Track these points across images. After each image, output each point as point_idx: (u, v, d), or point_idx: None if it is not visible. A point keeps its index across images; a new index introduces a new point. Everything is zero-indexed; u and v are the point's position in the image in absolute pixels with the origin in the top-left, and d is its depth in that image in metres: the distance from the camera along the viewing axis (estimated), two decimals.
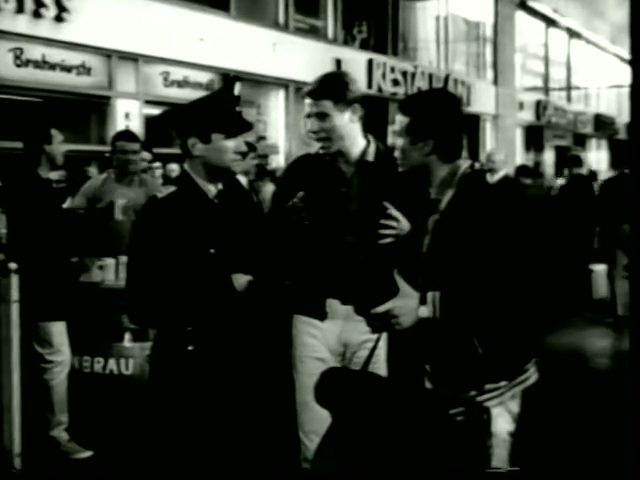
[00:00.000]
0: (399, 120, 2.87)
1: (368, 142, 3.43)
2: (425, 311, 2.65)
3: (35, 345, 4.83)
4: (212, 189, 3.13)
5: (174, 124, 3.24)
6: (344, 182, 3.39)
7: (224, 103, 3.13)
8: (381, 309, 2.67)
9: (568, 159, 12.86)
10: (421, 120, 2.81)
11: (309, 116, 3.35)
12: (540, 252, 2.73)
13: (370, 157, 3.41)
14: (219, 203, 3.13)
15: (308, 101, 3.35)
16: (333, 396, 2.80)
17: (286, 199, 3.39)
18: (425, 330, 2.69)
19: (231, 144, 3.07)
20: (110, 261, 5.36)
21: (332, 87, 3.32)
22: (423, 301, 2.66)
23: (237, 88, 3.18)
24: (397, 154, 2.88)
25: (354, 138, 3.39)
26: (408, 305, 2.67)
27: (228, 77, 3.23)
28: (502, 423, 2.73)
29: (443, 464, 2.57)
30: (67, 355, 4.94)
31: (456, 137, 2.85)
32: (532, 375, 2.79)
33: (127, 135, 5.94)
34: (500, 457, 2.74)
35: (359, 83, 3.49)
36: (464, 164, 2.83)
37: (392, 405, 2.66)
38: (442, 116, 2.83)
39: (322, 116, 3.31)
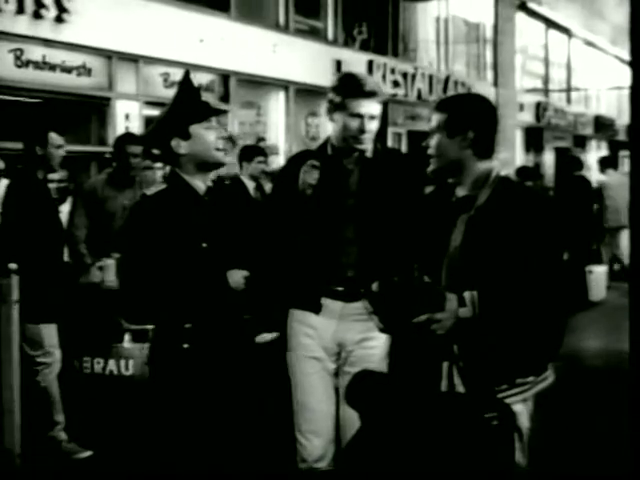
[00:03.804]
0: (435, 118, 2.92)
1: None
2: (466, 312, 2.69)
3: (25, 346, 4.81)
4: (201, 186, 3.18)
5: (154, 142, 3.29)
6: (344, 177, 3.40)
7: (187, 96, 3.19)
8: (423, 317, 2.69)
9: (569, 161, 12.88)
10: (460, 114, 2.87)
11: (362, 116, 3.34)
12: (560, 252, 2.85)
13: (369, 153, 3.45)
14: (209, 199, 3.17)
15: (367, 101, 3.35)
16: (364, 398, 2.83)
17: (287, 188, 3.41)
18: (463, 329, 2.72)
19: (211, 133, 3.14)
20: (110, 262, 5.36)
21: (380, 89, 3.39)
22: (462, 302, 2.69)
23: (194, 79, 3.25)
24: (431, 152, 2.92)
25: None
26: (450, 308, 2.70)
27: (185, 72, 3.29)
28: (524, 419, 2.80)
29: (475, 465, 2.60)
30: (57, 357, 4.94)
31: (491, 135, 2.91)
32: (551, 375, 2.87)
33: (132, 138, 5.93)
34: (523, 453, 2.82)
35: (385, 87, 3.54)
36: (497, 166, 2.88)
37: (423, 409, 2.69)
38: (480, 111, 2.91)
39: (373, 117, 3.37)
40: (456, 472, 2.60)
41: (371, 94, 3.35)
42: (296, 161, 3.53)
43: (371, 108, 3.35)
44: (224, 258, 3.10)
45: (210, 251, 3.08)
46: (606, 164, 12.72)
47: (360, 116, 3.35)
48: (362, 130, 3.35)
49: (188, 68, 3.60)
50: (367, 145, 3.39)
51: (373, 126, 3.37)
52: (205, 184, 3.19)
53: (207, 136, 3.14)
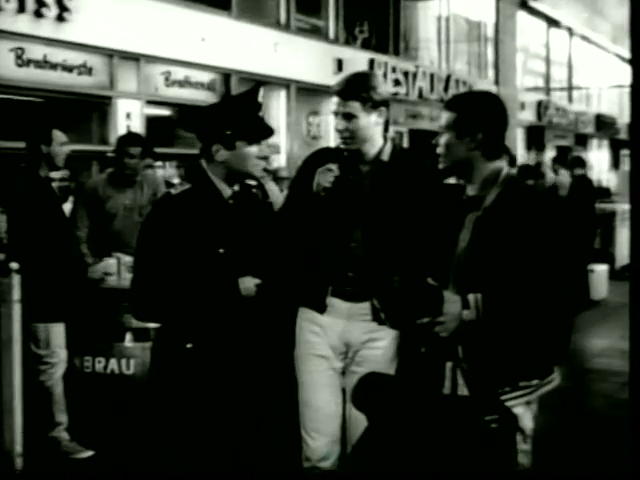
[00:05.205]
0: (445, 116, 2.92)
1: (385, 142, 3.45)
2: (469, 314, 2.69)
3: (32, 346, 4.82)
4: (227, 190, 3.15)
5: (195, 128, 3.25)
6: (358, 179, 3.40)
7: (248, 110, 3.16)
8: (425, 319, 2.70)
9: (571, 160, 12.88)
10: (470, 115, 2.87)
11: (336, 114, 3.38)
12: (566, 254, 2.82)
13: (385, 157, 3.42)
14: (233, 204, 3.16)
15: (336, 100, 3.37)
16: (370, 400, 2.84)
17: (302, 187, 3.41)
18: (465, 331, 2.73)
19: (254, 150, 3.11)
20: (112, 261, 5.36)
21: (361, 89, 3.33)
22: (466, 305, 2.69)
23: (261, 94, 3.20)
24: (439, 150, 2.93)
25: (376, 140, 3.41)
26: (453, 311, 2.70)
27: (255, 83, 3.25)
28: (527, 421, 2.80)
29: (476, 467, 2.61)
30: (62, 356, 4.94)
31: (500, 135, 2.94)
32: (557, 377, 2.86)
33: (131, 139, 5.92)
34: (526, 455, 2.82)
35: (386, 86, 3.51)
36: (505, 166, 2.89)
37: (425, 411, 2.69)
38: (490, 112, 2.91)
39: (349, 117, 3.33)
40: (456, 474, 2.61)
41: (341, 93, 3.35)
42: (314, 160, 3.52)
43: (344, 106, 3.33)
44: (238, 264, 3.09)
45: (226, 257, 3.06)
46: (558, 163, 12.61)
47: (335, 114, 3.38)
48: (336, 128, 3.38)
49: (260, 80, 3.57)
50: (351, 145, 3.36)
51: (351, 125, 3.33)
52: (231, 188, 3.18)
53: (249, 152, 3.11)
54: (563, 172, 12.29)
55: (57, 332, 4.90)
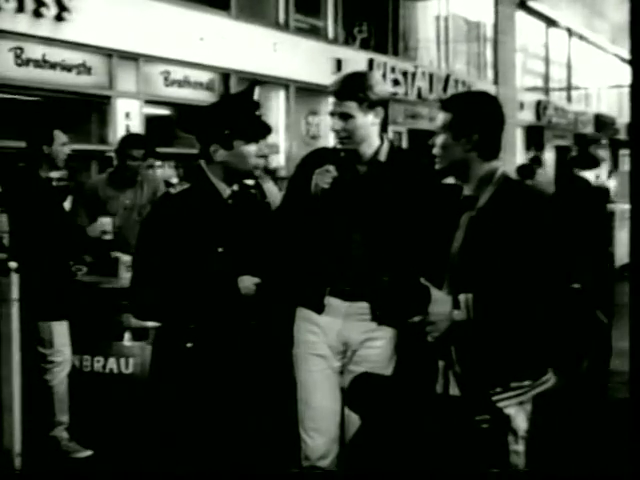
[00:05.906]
0: (440, 117, 2.92)
1: (382, 141, 3.44)
2: (460, 315, 2.69)
3: (37, 345, 4.83)
4: (226, 189, 3.16)
5: (193, 129, 3.26)
6: (355, 179, 3.39)
7: (245, 109, 3.16)
8: (417, 318, 2.70)
9: (570, 160, 12.86)
10: (465, 116, 2.87)
11: (332, 114, 3.36)
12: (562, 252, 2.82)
13: (382, 157, 3.41)
14: (232, 203, 3.17)
15: (332, 100, 3.36)
16: (363, 401, 2.84)
17: (299, 187, 3.41)
18: (457, 332, 2.72)
19: (252, 149, 3.12)
20: (107, 220, 5.25)
21: (357, 89, 3.32)
22: (456, 305, 2.69)
23: (257, 92, 3.21)
24: (436, 151, 2.92)
25: (372, 140, 3.40)
26: (443, 311, 2.70)
27: (251, 82, 3.23)
28: (520, 421, 2.79)
29: (467, 467, 2.61)
30: (67, 355, 4.94)
31: (497, 136, 2.92)
32: (551, 378, 2.85)
33: (134, 140, 5.89)
34: (519, 455, 2.81)
35: (384, 85, 3.50)
36: (501, 165, 2.89)
37: (417, 410, 2.70)
38: (486, 113, 2.91)
39: (345, 116, 3.32)
40: (446, 473, 2.62)
41: (338, 93, 3.34)
42: (311, 161, 3.50)
43: (341, 107, 3.32)
44: (238, 263, 3.09)
45: (225, 256, 3.07)
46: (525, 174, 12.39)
47: (332, 114, 3.36)
48: (333, 129, 3.36)
49: (256, 78, 3.57)
50: (348, 145, 3.35)
51: (348, 126, 3.32)
52: (230, 188, 3.19)
53: (248, 151, 3.12)
54: (540, 172, 12.28)
55: (60, 331, 4.90)
